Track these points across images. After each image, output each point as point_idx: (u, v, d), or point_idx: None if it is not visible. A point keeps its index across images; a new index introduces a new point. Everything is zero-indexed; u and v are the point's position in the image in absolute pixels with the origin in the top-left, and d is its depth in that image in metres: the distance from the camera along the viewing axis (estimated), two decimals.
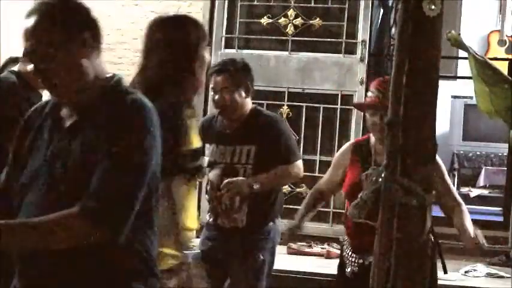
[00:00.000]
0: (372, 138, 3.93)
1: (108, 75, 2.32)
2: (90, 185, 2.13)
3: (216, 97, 4.29)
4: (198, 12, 6.84)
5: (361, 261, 3.84)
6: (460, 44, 2.64)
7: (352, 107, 6.56)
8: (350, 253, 3.90)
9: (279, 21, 6.82)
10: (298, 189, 6.60)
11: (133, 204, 2.16)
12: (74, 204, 2.12)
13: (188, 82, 3.07)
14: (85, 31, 2.25)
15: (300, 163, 4.39)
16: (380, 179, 2.00)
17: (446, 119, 9.60)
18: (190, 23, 3.17)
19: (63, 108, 2.31)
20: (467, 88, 8.62)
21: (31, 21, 2.22)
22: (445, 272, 3.74)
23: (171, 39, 3.05)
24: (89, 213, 2.11)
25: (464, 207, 3.83)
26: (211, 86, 4.32)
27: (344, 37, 6.71)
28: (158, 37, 3.06)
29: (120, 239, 2.14)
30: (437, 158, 3.92)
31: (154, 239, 2.32)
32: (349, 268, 3.88)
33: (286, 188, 6.33)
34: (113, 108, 2.22)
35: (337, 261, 4.10)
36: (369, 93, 3.91)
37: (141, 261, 2.27)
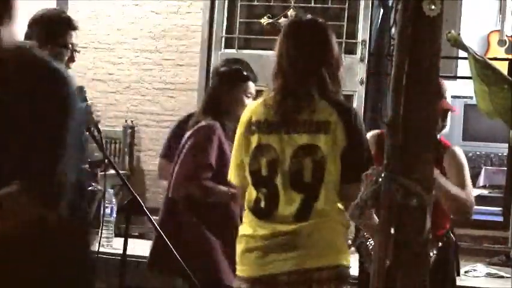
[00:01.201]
0: None
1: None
2: (23, 160, 2.12)
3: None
4: (198, 12, 6.83)
5: None
6: (460, 44, 2.65)
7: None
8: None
9: (279, 21, 6.81)
10: None
11: (69, 176, 2.16)
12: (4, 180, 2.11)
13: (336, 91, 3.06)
14: None
15: None
16: (380, 179, 2.00)
17: None
18: (331, 29, 3.14)
19: None
20: (467, 88, 8.59)
21: None
22: (458, 274, 3.75)
23: (317, 46, 3.06)
24: (32, 190, 2.11)
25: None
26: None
27: (344, 37, 6.70)
28: (305, 43, 3.07)
29: (61, 210, 2.15)
30: (458, 149, 3.94)
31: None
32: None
33: None
34: (33, 77, 2.17)
35: None
36: None
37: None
